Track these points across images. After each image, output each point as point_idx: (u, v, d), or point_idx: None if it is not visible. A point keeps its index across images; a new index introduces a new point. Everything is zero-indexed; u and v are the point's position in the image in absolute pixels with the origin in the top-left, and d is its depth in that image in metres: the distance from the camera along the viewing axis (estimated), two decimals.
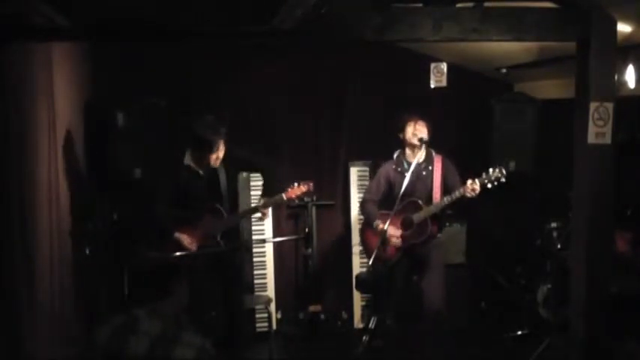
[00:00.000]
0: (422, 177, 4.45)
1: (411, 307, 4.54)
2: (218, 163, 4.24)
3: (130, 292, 2.32)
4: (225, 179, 4.31)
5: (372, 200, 4.58)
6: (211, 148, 4.11)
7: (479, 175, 4.27)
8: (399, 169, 4.50)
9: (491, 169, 4.25)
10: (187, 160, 4.25)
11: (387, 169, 4.59)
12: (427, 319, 4.38)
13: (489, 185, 4.25)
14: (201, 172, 4.26)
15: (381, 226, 4.37)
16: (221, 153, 4.20)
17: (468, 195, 4.23)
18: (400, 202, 4.29)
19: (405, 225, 4.44)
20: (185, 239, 4.16)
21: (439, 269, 4.44)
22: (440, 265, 4.47)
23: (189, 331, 2.39)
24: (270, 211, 4.54)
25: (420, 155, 4.45)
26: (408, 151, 4.51)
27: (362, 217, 4.88)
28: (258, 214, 4.44)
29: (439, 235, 4.60)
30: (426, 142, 4.41)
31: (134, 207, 4.60)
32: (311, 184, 4.42)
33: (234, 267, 4.53)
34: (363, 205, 4.68)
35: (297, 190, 4.33)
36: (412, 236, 4.42)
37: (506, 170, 4.27)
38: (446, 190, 4.43)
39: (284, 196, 4.32)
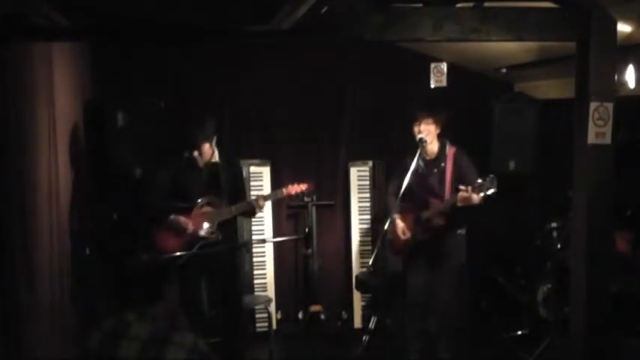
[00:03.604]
0: (434, 174, 4.36)
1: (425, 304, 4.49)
2: (209, 158, 4.29)
3: (121, 294, 2.31)
4: (225, 174, 4.33)
5: (394, 194, 4.41)
6: (195, 147, 4.22)
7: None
8: (420, 163, 4.35)
9: (480, 180, 4.10)
10: (188, 153, 4.28)
11: (410, 162, 4.32)
12: (435, 317, 4.35)
13: (482, 194, 4.08)
14: (200, 165, 4.29)
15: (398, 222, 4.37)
16: (207, 154, 4.26)
17: (459, 204, 4.13)
18: (410, 197, 4.26)
19: (415, 222, 4.41)
20: (182, 219, 4.20)
21: (452, 269, 4.40)
22: (454, 265, 4.42)
23: (181, 331, 2.37)
24: (265, 203, 4.50)
25: (432, 152, 4.38)
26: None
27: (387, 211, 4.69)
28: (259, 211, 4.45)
29: (459, 231, 4.64)
30: (424, 143, 4.36)
31: (134, 205, 4.60)
32: (311, 185, 4.51)
33: (233, 267, 4.52)
34: (388, 198, 4.56)
35: (296, 187, 4.41)
36: (419, 233, 4.38)
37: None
38: (462, 184, 4.24)
39: (284, 191, 4.41)
